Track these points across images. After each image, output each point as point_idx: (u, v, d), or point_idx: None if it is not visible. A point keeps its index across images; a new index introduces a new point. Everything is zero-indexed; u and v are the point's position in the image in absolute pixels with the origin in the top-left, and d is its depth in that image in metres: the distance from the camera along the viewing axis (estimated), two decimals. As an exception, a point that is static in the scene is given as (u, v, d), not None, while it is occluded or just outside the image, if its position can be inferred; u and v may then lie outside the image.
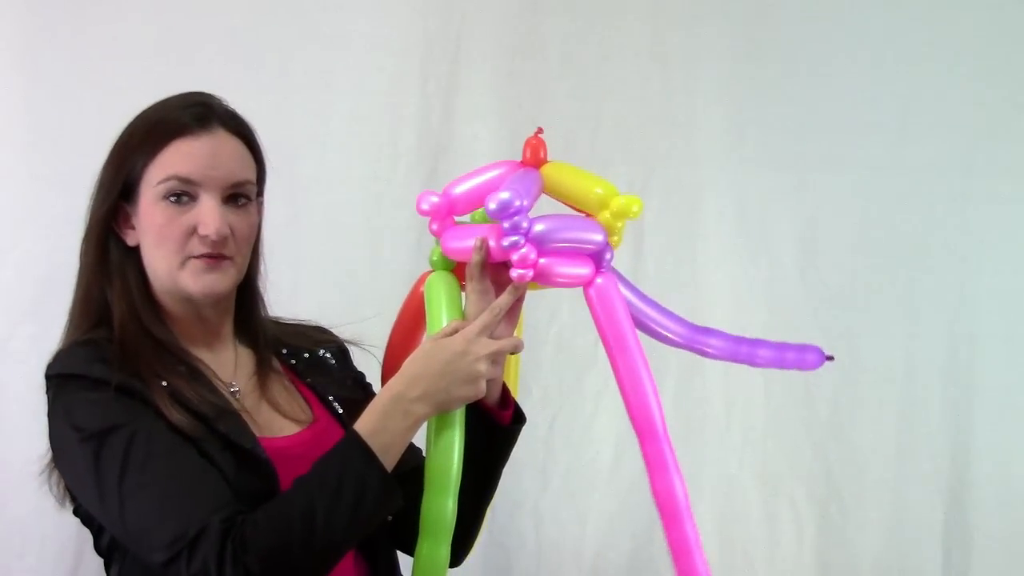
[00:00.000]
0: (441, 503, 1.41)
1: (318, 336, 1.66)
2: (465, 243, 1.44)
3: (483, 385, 1.40)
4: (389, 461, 1.37)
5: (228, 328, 1.56)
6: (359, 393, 1.61)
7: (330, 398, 1.57)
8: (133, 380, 1.39)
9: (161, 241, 1.45)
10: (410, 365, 1.40)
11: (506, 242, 1.38)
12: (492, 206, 1.37)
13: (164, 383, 1.41)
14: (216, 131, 1.47)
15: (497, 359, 1.42)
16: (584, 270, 1.44)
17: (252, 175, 1.52)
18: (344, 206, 2.35)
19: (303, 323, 1.68)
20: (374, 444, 1.36)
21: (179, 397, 1.40)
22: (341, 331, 1.68)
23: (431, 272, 1.51)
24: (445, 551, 1.42)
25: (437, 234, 1.49)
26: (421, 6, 2.36)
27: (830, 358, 1.54)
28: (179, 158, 1.44)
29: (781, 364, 1.55)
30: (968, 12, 2.40)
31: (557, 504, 2.38)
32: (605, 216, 1.44)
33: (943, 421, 2.39)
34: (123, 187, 1.47)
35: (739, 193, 2.40)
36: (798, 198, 2.40)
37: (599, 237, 1.43)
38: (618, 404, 2.47)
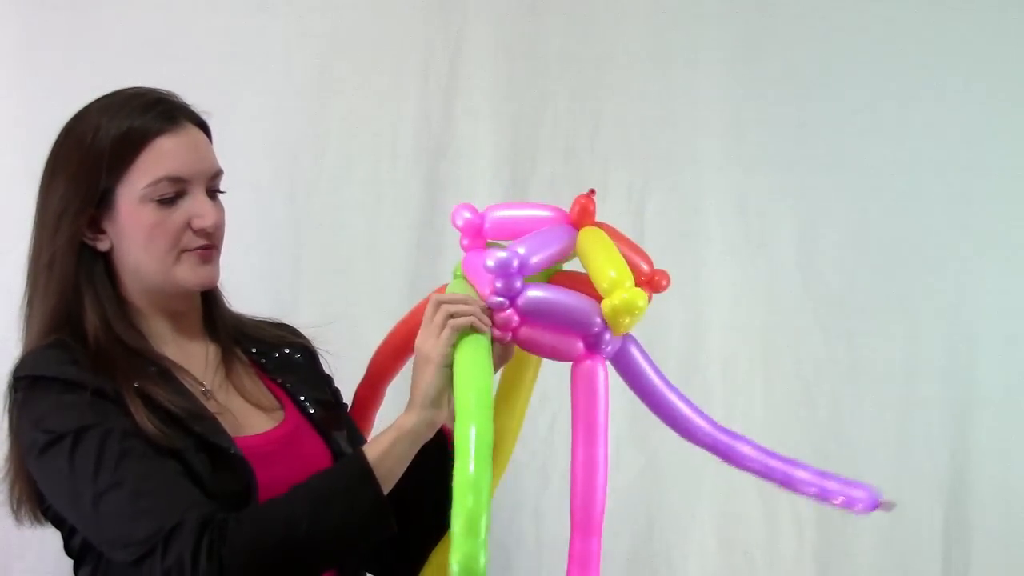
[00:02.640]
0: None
1: (282, 333, 1.66)
2: (470, 277, 1.43)
3: (443, 334, 1.36)
4: (390, 485, 1.38)
5: (198, 322, 1.56)
6: (329, 395, 1.61)
7: (301, 398, 1.57)
8: (107, 383, 1.39)
9: (152, 240, 1.45)
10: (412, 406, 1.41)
11: (492, 300, 1.37)
12: (489, 263, 1.35)
13: (136, 385, 1.41)
14: (186, 125, 1.48)
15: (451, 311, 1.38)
16: (571, 349, 1.39)
17: (220, 164, 1.52)
18: (344, 206, 2.35)
19: (265, 320, 1.68)
20: (379, 470, 1.36)
21: (152, 400, 1.40)
22: (305, 332, 1.68)
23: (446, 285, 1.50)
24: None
25: (466, 250, 1.47)
26: (421, 6, 2.36)
27: (888, 504, 1.47)
28: (164, 158, 1.44)
29: (822, 495, 1.48)
30: (968, 12, 2.39)
31: (557, 504, 2.37)
32: (606, 305, 1.36)
33: (943, 421, 2.39)
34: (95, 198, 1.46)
35: (739, 193, 2.40)
36: (798, 198, 2.40)
37: (596, 320, 1.37)
38: (619, 404, 2.48)
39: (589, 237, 1.44)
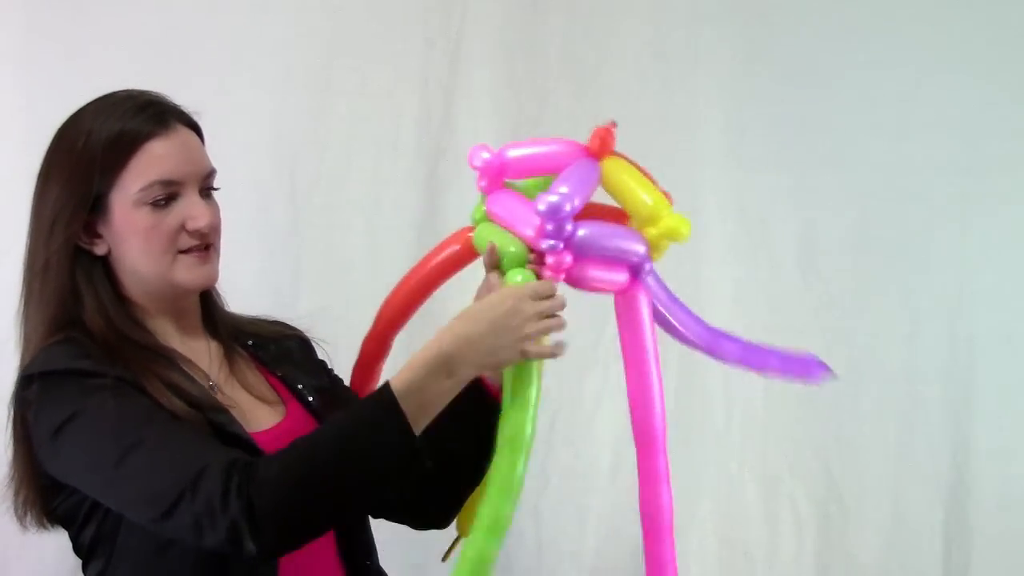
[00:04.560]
0: (514, 462, 1.41)
1: (278, 328, 1.67)
2: (505, 220, 1.43)
3: (529, 348, 1.37)
4: (423, 421, 1.34)
5: (198, 320, 1.57)
6: (326, 382, 1.62)
7: (300, 387, 1.57)
8: (123, 372, 1.40)
9: (149, 243, 1.45)
10: (460, 324, 1.36)
11: (545, 244, 1.38)
12: (541, 207, 1.36)
13: (153, 376, 1.41)
14: (176, 127, 1.48)
15: (545, 326, 1.39)
16: (618, 279, 1.43)
17: (212, 164, 1.53)
18: (344, 206, 2.35)
19: (258, 318, 1.68)
20: (408, 403, 1.32)
21: (172, 386, 1.41)
22: (298, 322, 1.69)
23: (472, 229, 1.50)
24: (511, 509, 1.39)
25: (486, 191, 1.46)
26: (421, 6, 2.36)
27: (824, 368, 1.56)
28: (155, 162, 1.44)
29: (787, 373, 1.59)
30: (968, 12, 2.40)
31: (557, 504, 2.38)
32: (651, 232, 1.43)
33: (943, 421, 2.39)
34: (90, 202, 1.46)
35: (739, 193, 2.40)
36: (798, 198, 2.40)
37: (641, 250, 1.42)
38: (618, 404, 2.47)
39: (615, 167, 1.47)
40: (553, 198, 1.35)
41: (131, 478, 1.33)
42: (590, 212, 1.45)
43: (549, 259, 1.38)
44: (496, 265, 1.44)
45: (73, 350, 1.42)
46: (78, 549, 1.49)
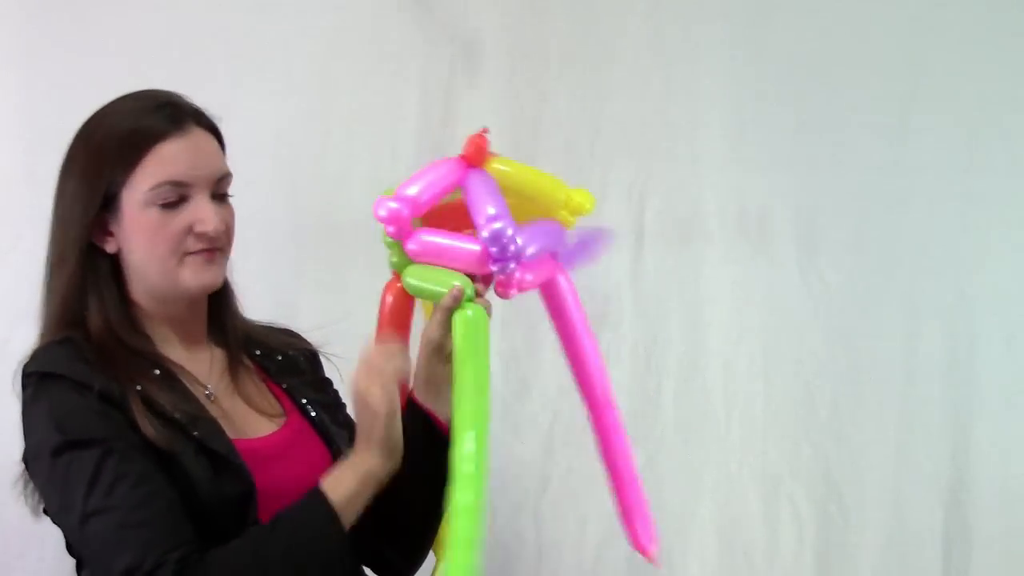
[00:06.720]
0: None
1: (288, 339, 1.67)
2: (443, 257, 1.43)
3: (376, 399, 1.41)
4: (349, 519, 1.41)
5: (203, 327, 1.57)
6: (329, 398, 1.62)
7: (303, 401, 1.57)
8: (112, 384, 1.39)
9: (155, 244, 1.45)
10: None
11: (497, 268, 1.40)
12: (485, 234, 1.38)
13: (139, 388, 1.41)
14: (192, 129, 1.48)
15: (386, 371, 1.43)
16: (546, 272, 1.49)
17: (228, 167, 1.52)
18: (344, 206, 2.35)
19: (272, 325, 1.68)
20: (345, 513, 1.40)
21: (153, 403, 1.40)
22: (310, 335, 1.68)
23: (397, 278, 1.50)
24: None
25: (397, 237, 1.46)
26: (421, 6, 2.36)
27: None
28: (166, 163, 1.44)
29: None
30: (968, 11, 2.39)
31: (557, 504, 2.38)
32: (563, 215, 1.50)
33: (943, 421, 2.38)
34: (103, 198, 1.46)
35: (739, 193, 2.40)
36: (798, 198, 2.40)
37: (565, 238, 1.50)
38: (619, 404, 2.48)
39: (505, 166, 1.51)
40: (497, 224, 1.38)
41: (90, 542, 1.36)
42: (437, 214, 1.48)
43: (514, 281, 1.41)
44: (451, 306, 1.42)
45: (71, 352, 1.43)
46: (71, 550, 1.50)
